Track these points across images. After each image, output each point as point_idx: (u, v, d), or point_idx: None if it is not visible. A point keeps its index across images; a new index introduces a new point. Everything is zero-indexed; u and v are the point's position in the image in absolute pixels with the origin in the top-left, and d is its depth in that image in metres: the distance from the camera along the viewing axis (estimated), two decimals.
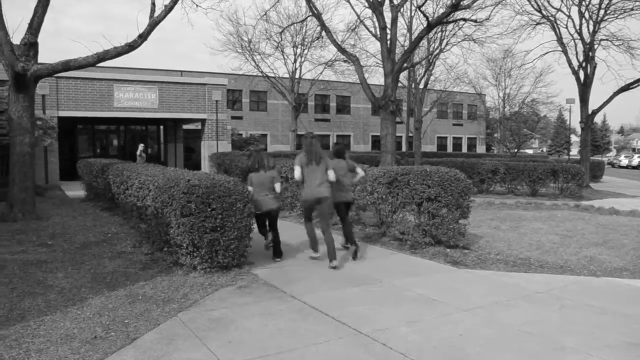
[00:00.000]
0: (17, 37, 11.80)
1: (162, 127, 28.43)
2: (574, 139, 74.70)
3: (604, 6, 23.94)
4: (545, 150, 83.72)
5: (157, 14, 12.03)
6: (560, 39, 25.10)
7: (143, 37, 11.77)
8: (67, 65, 11.77)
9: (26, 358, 4.25)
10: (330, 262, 7.43)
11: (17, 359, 4.24)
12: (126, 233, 9.69)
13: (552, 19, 25.06)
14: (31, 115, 11.74)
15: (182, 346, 4.53)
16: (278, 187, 7.90)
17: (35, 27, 11.42)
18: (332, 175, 7.64)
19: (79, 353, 4.36)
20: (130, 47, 11.69)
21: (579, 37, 24.81)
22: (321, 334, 4.85)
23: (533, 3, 24.72)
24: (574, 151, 63.04)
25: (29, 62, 11.27)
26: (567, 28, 43.38)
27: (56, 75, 17.48)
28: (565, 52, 25.04)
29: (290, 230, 10.46)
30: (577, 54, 25.15)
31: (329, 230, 7.62)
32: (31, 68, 11.27)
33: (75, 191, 17.16)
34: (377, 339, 4.74)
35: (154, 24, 11.89)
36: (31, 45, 11.41)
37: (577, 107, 28.87)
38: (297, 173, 7.60)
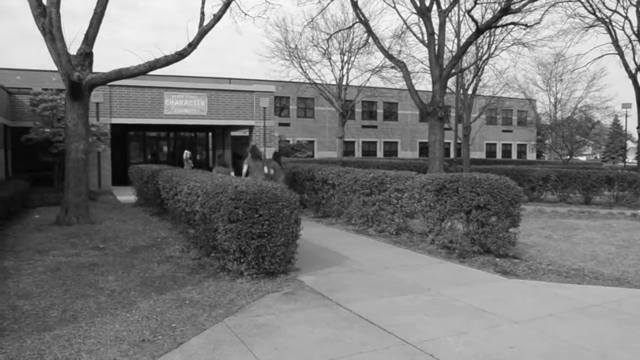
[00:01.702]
0: (74, 47, 12.24)
1: (210, 134, 28.95)
2: (630, 145, 71.79)
3: None
4: (598, 156, 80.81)
5: (205, 22, 12.28)
6: (615, 41, 24.26)
7: (192, 46, 12.03)
8: (120, 74, 12.13)
9: (77, 358, 4.36)
10: None
11: (69, 358, 4.36)
12: (174, 238, 9.87)
13: (606, 20, 24.25)
14: (85, 122, 12.14)
15: (228, 351, 4.55)
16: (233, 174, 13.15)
17: (90, 37, 11.83)
18: (266, 169, 13.02)
19: (127, 355, 4.44)
20: (180, 55, 11.97)
21: (636, 39, 23.90)
22: (367, 343, 4.78)
23: (586, 5, 23.98)
24: (630, 158, 60.59)
25: (84, 71, 11.66)
26: (623, 30, 41.63)
27: (109, 84, 18.03)
28: (621, 54, 24.19)
29: (339, 237, 10.44)
30: (634, 56, 24.23)
31: None
32: (86, 77, 11.65)
33: (126, 196, 17.65)
34: (423, 349, 4.64)
35: (203, 32, 12.13)
36: (86, 54, 11.82)
37: (633, 111, 27.79)
38: (244, 170, 13.30)
